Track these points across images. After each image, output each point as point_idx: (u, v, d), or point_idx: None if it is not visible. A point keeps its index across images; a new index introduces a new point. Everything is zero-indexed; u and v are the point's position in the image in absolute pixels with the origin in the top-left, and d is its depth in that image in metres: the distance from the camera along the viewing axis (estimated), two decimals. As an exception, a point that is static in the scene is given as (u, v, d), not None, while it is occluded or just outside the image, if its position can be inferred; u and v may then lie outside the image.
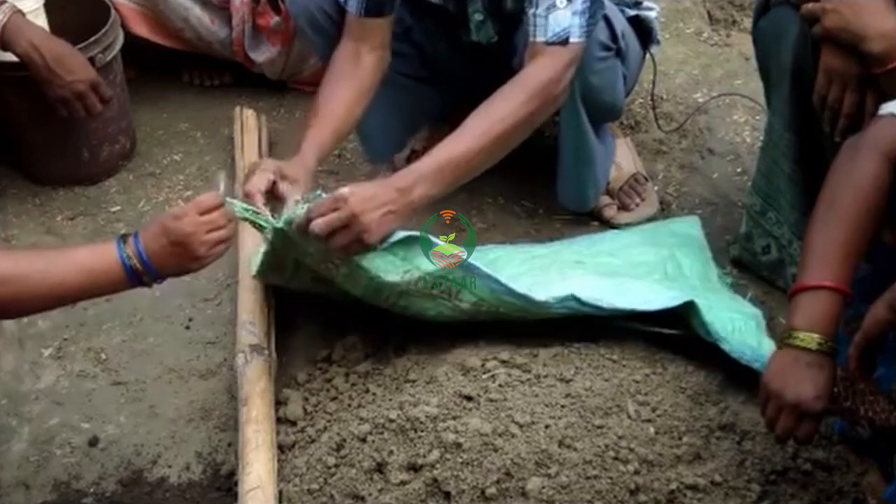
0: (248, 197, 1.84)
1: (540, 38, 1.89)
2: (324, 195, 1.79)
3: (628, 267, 2.07)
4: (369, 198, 1.76)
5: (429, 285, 1.80)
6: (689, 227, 2.26)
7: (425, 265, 1.79)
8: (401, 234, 1.80)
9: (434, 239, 1.80)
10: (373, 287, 1.82)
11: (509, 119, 1.86)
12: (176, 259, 1.65)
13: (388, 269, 1.79)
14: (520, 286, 1.81)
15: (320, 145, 1.98)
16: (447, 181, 1.87)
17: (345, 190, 1.77)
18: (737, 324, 1.88)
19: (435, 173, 1.83)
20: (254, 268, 1.98)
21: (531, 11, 1.90)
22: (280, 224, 1.79)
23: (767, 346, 1.85)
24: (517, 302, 1.80)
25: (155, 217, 1.70)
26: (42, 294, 1.57)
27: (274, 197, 1.87)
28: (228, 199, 1.77)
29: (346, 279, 1.84)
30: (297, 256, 1.87)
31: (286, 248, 1.84)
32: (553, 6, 1.88)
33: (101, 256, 1.61)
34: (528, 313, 1.83)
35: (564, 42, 1.89)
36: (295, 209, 1.78)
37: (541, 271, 2.03)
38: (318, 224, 1.74)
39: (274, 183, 1.87)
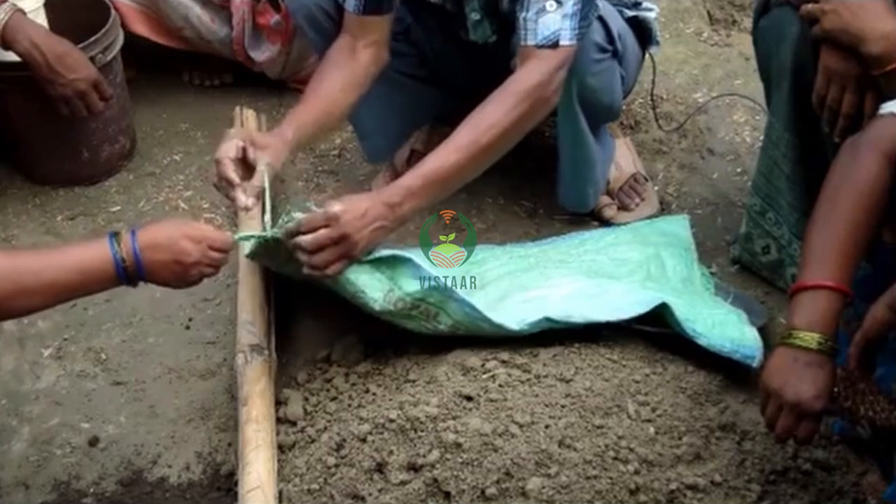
0: (217, 164, 1.86)
1: (530, 42, 1.89)
2: (314, 207, 1.80)
3: (613, 265, 2.09)
4: (361, 215, 1.78)
5: (408, 306, 1.82)
6: (679, 226, 2.27)
7: (407, 286, 1.82)
8: (386, 252, 1.84)
9: (418, 260, 1.83)
10: (357, 300, 1.84)
11: (497, 127, 1.87)
12: (169, 274, 1.67)
13: (373, 285, 1.82)
14: (495, 310, 1.83)
15: (300, 122, 1.99)
16: (437, 193, 1.89)
17: (337, 208, 1.78)
18: (717, 318, 1.91)
19: (424, 188, 1.85)
20: (247, 248, 1.99)
21: (522, 15, 1.90)
22: (273, 235, 1.81)
23: (751, 336, 1.88)
24: (492, 328, 1.82)
25: (165, 225, 1.69)
26: (35, 291, 1.56)
27: (244, 164, 1.89)
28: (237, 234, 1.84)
29: (335, 284, 1.85)
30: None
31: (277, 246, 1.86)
32: (543, 10, 1.88)
33: (92, 253, 1.61)
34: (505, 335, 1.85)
35: (554, 45, 1.89)
36: (286, 219, 1.80)
37: (523, 272, 2.05)
38: (305, 239, 1.77)
39: (244, 150, 1.88)
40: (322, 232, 1.77)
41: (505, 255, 2.15)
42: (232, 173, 1.85)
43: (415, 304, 1.82)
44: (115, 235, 1.62)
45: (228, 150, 1.87)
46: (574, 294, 1.92)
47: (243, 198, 1.84)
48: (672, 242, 2.19)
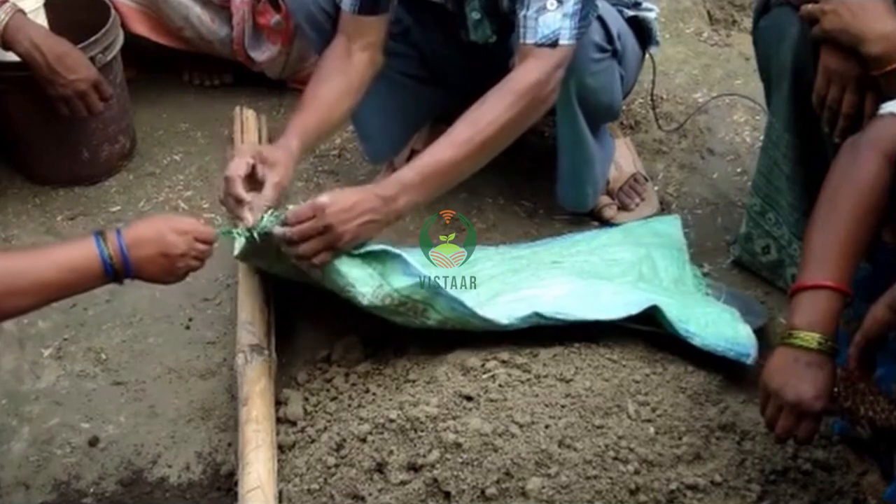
0: (227, 182, 1.86)
1: (529, 40, 1.89)
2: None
3: (604, 266, 2.09)
4: (348, 208, 1.78)
5: (396, 302, 1.82)
6: (670, 226, 2.27)
7: (395, 282, 1.81)
8: (376, 247, 1.83)
9: (408, 258, 1.82)
10: (347, 293, 1.84)
11: (495, 124, 1.87)
12: (156, 269, 1.67)
13: (363, 279, 1.82)
14: (484, 307, 1.83)
15: (303, 132, 1.99)
16: (433, 189, 1.89)
17: (324, 199, 1.78)
18: (710, 317, 1.91)
19: (420, 182, 1.85)
20: (236, 250, 1.99)
21: (522, 13, 1.90)
22: (259, 231, 1.82)
23: (744, 334, 1.88)
24: (481, 323, 1.82)
25: (150, 221, 1.71)
26: (25, 290, 1.56)
27: (252, 179, 1.88)
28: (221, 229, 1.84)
29: (324, 279, 1.85)
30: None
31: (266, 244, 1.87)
32: (543, 8, 1.88)
33: (80, 252, 1.61)
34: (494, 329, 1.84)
35: (554, 44, 1.89)
36: (270, 218, 1.81)
37: (515, 273, 2.05)
38: (292, 230, 1.77)
39: (254, 167, 1.88)
40: (308, 223, 1.77)
41: (497, 256, 2.15)
42: (242, 191, 1.84)
43: (402, 301, 1.81)
44: (100, 234, 1.62)
45: (238, 167, 1.87)
46: (566, 294, 1.91)
47: (250, 217, 1.83)
48: (664, 243, 2.19)
